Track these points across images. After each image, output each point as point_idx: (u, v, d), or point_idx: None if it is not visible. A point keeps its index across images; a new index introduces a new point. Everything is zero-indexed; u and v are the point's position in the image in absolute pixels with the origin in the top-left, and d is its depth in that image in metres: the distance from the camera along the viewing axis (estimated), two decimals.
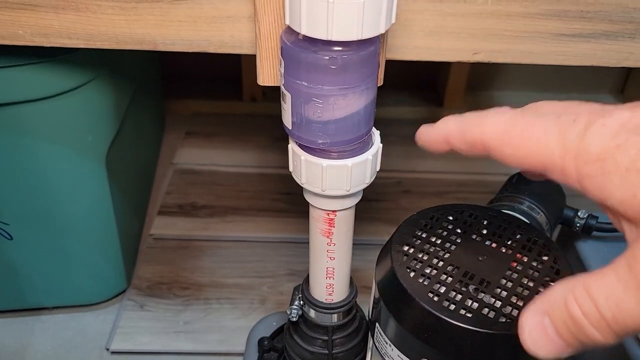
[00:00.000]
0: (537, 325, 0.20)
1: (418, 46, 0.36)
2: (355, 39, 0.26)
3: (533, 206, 0.40)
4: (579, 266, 0.41)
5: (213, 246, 0.72)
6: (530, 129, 0.21)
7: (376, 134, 0.33)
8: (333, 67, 0.27)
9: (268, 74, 0.34)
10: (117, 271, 0.62)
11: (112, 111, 0.53)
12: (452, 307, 0.31)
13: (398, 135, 0.96)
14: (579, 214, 0.41)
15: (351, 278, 0.40)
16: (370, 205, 0.78)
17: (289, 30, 0.28)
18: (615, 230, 0.42)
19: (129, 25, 0.35)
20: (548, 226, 0.40)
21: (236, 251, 0.71)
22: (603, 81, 1.06)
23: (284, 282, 0.67)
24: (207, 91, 1.00)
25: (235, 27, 0.35)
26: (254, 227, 0.75)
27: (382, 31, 0.27)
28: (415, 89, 1.04)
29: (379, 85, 0.34)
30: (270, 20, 0.32)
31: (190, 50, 0.36)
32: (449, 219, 0.37)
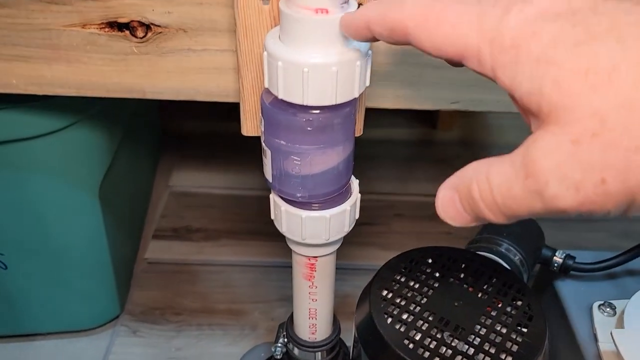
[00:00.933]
0: (448, 198, 0.22)
1: (399, 95, 0.37)
2: (329, 104, 0.27)
3: (510, 248, 0.41)
4: (557, 306, 0.42)
5: (206, 270, 0.73)
6: (447, 12, 0.21)
7: (355, 182, 0.35)
8: (309, 128, 0.28)
9: (251, 125, 0.35)
10: (111, 297, 0.63)
11: (106, 144, 0.55)
12: (427, 354, 0.32)
13: (391, 157, 0.98)
14: (556, 254, 0.43)
15: (334, 316, 0.42)
16: (361, 229, 0.79)
17: (269, 90, 0.30)
18: (594, 270, 0.43)
19: (119, 76, 0.36)
20: (525, 267, 0.41)
21: (229, 275, 0.72)
22: None
23: (276, 307, 0.68)
24: (203, 112, 1.01)
25: (221, 77, 0.36)
26: (247, 251, 0.76)
27: (356, 95, 0.28)
28: (409, 110, 1.05)
29: (358, 135, 0.35)
30: (253, 76, 0.33)
31: (178, 99, 0.38)
32: (428, 262, 0.38)
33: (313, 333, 0.40)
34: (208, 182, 0.88)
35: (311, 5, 0.25)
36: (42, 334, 0.63)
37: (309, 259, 0.35)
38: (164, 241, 0.77)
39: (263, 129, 0.30)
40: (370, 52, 0.28)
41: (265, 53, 0.27)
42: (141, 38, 0.35)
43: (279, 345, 0.41)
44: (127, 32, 0.35)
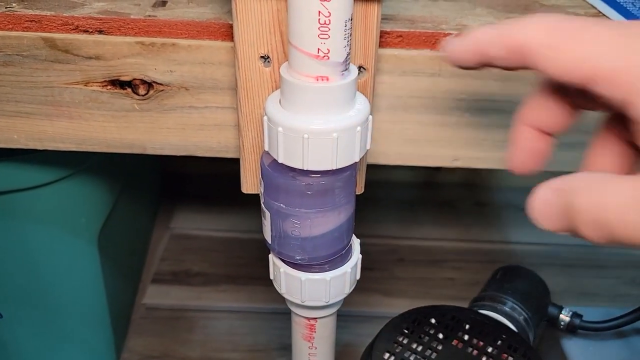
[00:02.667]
0: (545, 198, 0.21)
1: (400, 152, 0.37)
2: (329, 169, 0.27)
3: (515, 306, 0.40)
4: None
5: (205, 317, 0.72)
6: (581, 31, 0.19)
7: (356, 242, 0.34)
8: (309, 192, 0.28)
9: (252, 183, 0.35)
10: (107, 345, 0.62)
11: (106, 193, 0.55)
12: None
13: (393, 200, 0.97)
14: (562, 312, 0.42)
15: None
16: (362, 274, 0.78)
17: (269, 153, 0.29)
18: (603, 330, 0.42)
19: (119, 132, 0.36)
20: (530, 326, 0.40)
21: (229, 323, 0.71)
22: None
23: (275, 356, 0.66)
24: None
25: (222, 134, 0.36)
26: (247, 297, 0.74)
27: (357, 159, 0.28)
28: None
29: (359, 193, 0.35)
30: (253, 135, 0.33)
31: (179, 154, 0.38)
32: (430, 323, 0.37)
33: None
34: (209, 225, 0.88)
35: (312, 73, 0.25)
36: None
37: (309, 320, 0.35)
38: (163, 286, 0.76)
39: (262, 191, 0.30)
40: (370, 117, 0.28)
41: (265, 118, 0.27)
42: (143, 95, 0.35)
43: None
44: (129, 89, 0.35)
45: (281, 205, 0.29)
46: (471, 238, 0.88)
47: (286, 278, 0.32)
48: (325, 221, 0.30)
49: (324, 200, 0.29)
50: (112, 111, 0.36)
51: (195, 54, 0.33)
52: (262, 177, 0.30)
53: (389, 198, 0.95)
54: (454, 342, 0.36)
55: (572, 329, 0.42)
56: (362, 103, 0.28)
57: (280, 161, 0.27)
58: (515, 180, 0.99)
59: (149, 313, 0.72)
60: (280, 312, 0.71)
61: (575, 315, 0.42)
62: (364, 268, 0.79)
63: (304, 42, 0.25)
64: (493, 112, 0.36)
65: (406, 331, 0.36)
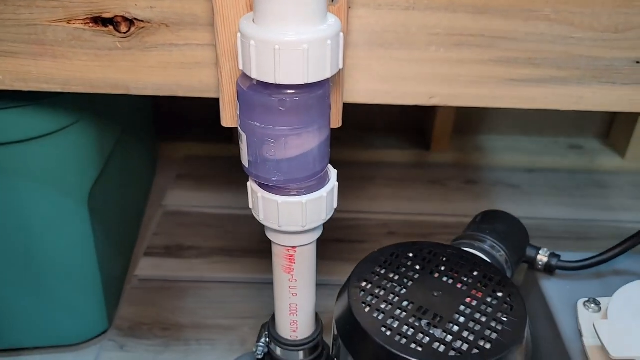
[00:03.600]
0: None
1: (376, 89, 0.38)
2: (301, 82, 0.28)
3: (494, 244, 0.41)
4: (542, 305, 0.42)
5: (197, 287, 0.72)
6: None
7: (333, 172, 0.35)
8: (282, 108, 0.29)
9: (230, 116, 0.35)
10: (99, 312, 0.63)
11: (96, 152, 0.55)
12: (404, 341, 0.31)
13: (385, 178, 0.98)
14: (540, 252, 0.42)
15: (317, 315, 0.41)
16: (353, 246, 0.79)
17: (245, 76, 0.30)
18: (579, 268, 0.42)
19: (103, 71, 0.37)
20: (509, 264, 0.41)
21: (220, 292, 0.72)
22: (588, 125, 1.08)
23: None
24: (199, 135, 1.02)
25: (203, 72, 0.37)
26: (239, 269, 0.75)
27: (328, 76, 0.29)
28: (403, 133, 1.06)
29: (337, 126, 0.36)
30: (231, 66, 0.34)
31: (161, 94, 0.38)
32: (408, 256, 0.38)
33: (294, 331, 0.39)
34: (202, 202, 0.88)
35: None
36: (29, 349, 0.62)
37: (288, 250, 0.35)
38: (155, 259, 0.77)
39: (239, 113, 0.31)
40: (342, 34, 0.29)
41: (238, 34, 0.28)
42: (125, 33, 0.36)
43: (261, 344, 0.40)
44: (111, 27, 0.36)
45: (256, 123, 0.30)
46: (461, 213, 0.88)
47: (264, 203, 0.33)
48: (299, 142, 0.30)
49: (297, 118, 0.29)
50: (94, 49, 0.37)
51: None
52: (238, 100, 0.31)
53: (380, 177, 0.96)
54: (430, 273, 0.36)
55: (549, 269, 0.42)
56: (334, 21, 0.29)
57: (253, 76, 0.28)
58: (504, 161, 1.01)
59: (141, 284, 0.72)
60: (272, 282, 0.72)
61: (553, 255, 0.42)
62: (355, 241, 0.80)
63: None
64: (467, 47, 0.36)
65: (384, 263, 0.37)
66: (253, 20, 0.28)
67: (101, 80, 0.38)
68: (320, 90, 0.29)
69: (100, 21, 0.36)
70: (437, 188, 0.94)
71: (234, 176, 0.92)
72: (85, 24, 0.36)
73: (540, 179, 0.97)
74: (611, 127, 1.07)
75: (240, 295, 0.71)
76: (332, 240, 0.79)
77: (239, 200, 0.88)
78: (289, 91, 0.29)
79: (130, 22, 0.36)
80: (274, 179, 0.31)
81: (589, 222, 0.87)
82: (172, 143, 1.00)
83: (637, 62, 0.37)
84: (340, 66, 0.29)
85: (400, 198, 0.91)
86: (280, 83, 0.28)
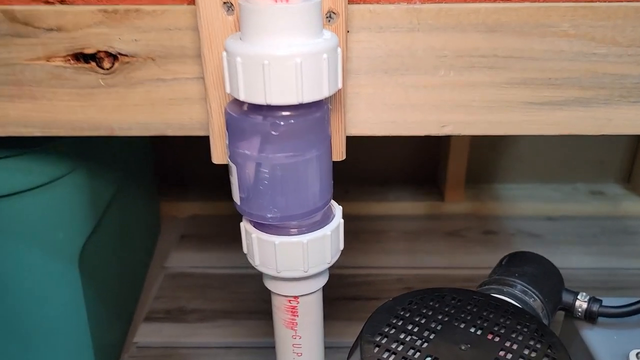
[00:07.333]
0: None
1: (381, 120, 0.34)
2: (295, 102, 0.25)
3: (526, 289, 0.36)
4: (587, 359, 0.36)
5: (200, 354, 0.67)
6: None
7: (337, 208, 0.31)
8: (275, 133, 0.25)
9: (221, 151, 0.32)
10: None
11: (89, 207, 0.52)
12: None
13: (399, 231, 0.93)
14: (578, 297, 0.37)
15: None
16: (366, 304, 0.73)
17: (234, 102, 0.27)
18: (625, 315, 0.37)
19: (84, 112, 0.35)
20: (545, 312, 0.36)
21: (224, 359, 0.66)
22: (607, 170, 1.04)
23: None
24: (204, 194, 1.00)
25: (193, 108, 0.34)
26: (244, 332, 0.70)
27: (326, 94, 0.25)
28: (415, 184, 1.03)
29: (339, 159, 0.32)
30: (220, 95, 0.31)
31: (148, 134, 0.35)
32: (429, 305, 0.33)
33: None
34: (206, 263, 0.84)
35: None
36: None
37: (289, 301, 0.31)
38: (155, 324, 0.71)
39: (227, 143, 0.27)
40: (339, 49, 0.26)
41: (224, 53, 0.25)
42: (108, 69, 0.33)
43: None
44: (94, 63, 0.33)
45: (246, 152, 0.26)
46: (482, 265, 0.83)
47: (259, 245, 0.29)
48: (296, 172, 0.27)
49: (293, 144, 0.26)
50: (76, 88, 0.34)
51: (160, 19, 0.32)
52: (226, 129, 0.27)
53: (396, 230, 0.91)
54: (455, 323, 0.32)
55: (591, 317, 0.37)
56: (330, 35, 0.26)
57: (241, 98, 0.25)
58: (523, 210, 0.96)
59: (140, 352, 0.67)
60: None
61: (593, 300, 0.37)
62: (370, 298, 0.75)
63: None
64: (479, 69, 0.33)
65: (401, 313, 0.32)
66: (240, 39, 0.25)
67: (83, 122, 0.35)
68: (317, 112, 0.26)
69: (81, 57, 0.33)
70: (455, 240, 0.89)
71: (238, 235, 0.88)
72: (65, 61, 0.33)
73: (562, 227, 0.92)
74: (632, 171, 1.03)
75: None
76: (342, 299, 0.73)
77: (244, 259, 0.83)
78: (283, 113, 0.25)
79: (114, 57, 0.33)
80: (269, 215, 0.27)
81: (620, 271, 0.81)
82: (175, 202, 0.97)
83: None
84: (340, 86, 0.26)
85: (416, 251, 0.86)
86: (272, 104, 0.24)
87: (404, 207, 0.98)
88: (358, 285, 0.77)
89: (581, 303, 0.37)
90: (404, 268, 0.83)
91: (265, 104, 0.24)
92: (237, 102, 0.27)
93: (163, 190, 0.94)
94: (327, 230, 0.29)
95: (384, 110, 0.34)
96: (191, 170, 1.02)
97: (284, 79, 0.24)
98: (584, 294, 0.38)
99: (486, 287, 0.36)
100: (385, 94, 0.34)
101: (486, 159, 1.01)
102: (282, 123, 0.25)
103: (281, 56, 0.23)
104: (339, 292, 0.75)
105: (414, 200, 1.00)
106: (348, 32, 0.31)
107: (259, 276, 0.32)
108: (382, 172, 1.00)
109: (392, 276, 0.81)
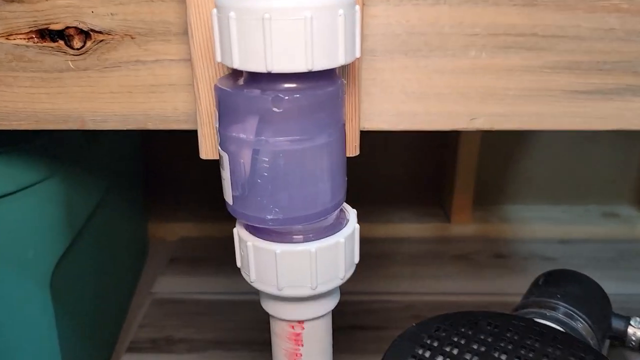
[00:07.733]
0: None
1: (400, 111, 0.29)
2: (303, 69, 0.19)
3: (571, 312, 0.30)
4: None
5: None
6: None
7: (351, 211, 0.25)
8: (277, 110, 0.20)
9: (211, 144, 0.27)
10: None
11: (64, 222, 0.46)
12: None
13: (405, 254, 0.88)
14: (632, 322, 0.32)
15: None
16: (373, 334, 0.67)
17: (227, 76, 0.22)
18: None
19: (51, 100, 0.29)
20: (595, 340, 0.30)
21: None
22: (620, 191, 0.99)
23: None
24: (195, 214, 0.94)
25: (178, 97, 0.29)
26: None
27: (342, 62, 0.20)
28: (420, 205, 0.98)
29: (353, 155, 0.27)
30: (210, 74, 0.26)
31: (125, 128, 0.30)
32: (460, 331, 0.27)
33: None
34: (196, 288, 0.78)
35: None
36: None
37: (293, 327, 0.25)
38: (139, 354, 0.65)
39: (217, 126, 0.22)
40: (357, 7, 0.21)
41: (214, 10, 0.20)
42: (79, 49, 0.28)
43: None
44: (62, 42, 0.28)
45: (241, 135, 0.21)
46: (495, 291, 0.77)
47: (255, 255, 0.23)
48: (302, 161, 0.21)
49: (299, 125, 0.21)
50: (41, 72, 0.29)
51: None
52: (216, 108, 0.22)
53: (402, 253, 0.86)
54: (495, 354, 0.26)
55: None
56: None
57: (235, 65, 0.20)
58: (534, 232, 0.91)
59: None
60: None
61: None
62: (376, 327, 0.69)
63: None
64: (516, 50, 0.28)
65: (428, 342, 0.26)
66: None
67: (49, 112, 0.30)
68: (330, 85, 0.21)
69: (47, 34, 0.28)
70: (464, 263, 0.84)
71: (230, 257, 0.82)
72: (28, 39, 0.28)
73: (577, 250, 0.87)
74: None
75: None
76: (346, 328, 0.67)
77: (239, 283, 0.77)
78: (287, 84, 0.20)
79: (86, 34, 0.28)
80: (269, 217, 0.22)
81: None
82: (165, 222, 0.91)
83: None
84: (358, 54, 0.21)
85: (424, 276, 0.81)
86: (274, 71, 0.19)
87: (409, 229, 0.93)
88: (362, 314, 0.71)
89: (635, 330, 0.31)
90: (412, 294, 0.77)
91: (265, 71, 0.19)
92: (230, 76, 0.22)
93: (151, 210, 0.88)
94: (340, 237, 0.23)
95: (403, 100, 0.29)
96: (182, 188, 0.96)
97: (289, 39, 0.19)
98: (638, 319, 0.32)
99: (524, 310, 0.31)
100: (405, 80, 0.29)
101: (493, 178, 0.97)
102: (285, 97, 0.20)
103: (286, 8, 0.18)
104: (341, 321, 0.69)
105: (419, 222, 0.95)
106: (364, 4, 0.26)
107: (256, 303, 0.26)
108: (385, 192, 0.95)
109: (399, 303, 0.75)
